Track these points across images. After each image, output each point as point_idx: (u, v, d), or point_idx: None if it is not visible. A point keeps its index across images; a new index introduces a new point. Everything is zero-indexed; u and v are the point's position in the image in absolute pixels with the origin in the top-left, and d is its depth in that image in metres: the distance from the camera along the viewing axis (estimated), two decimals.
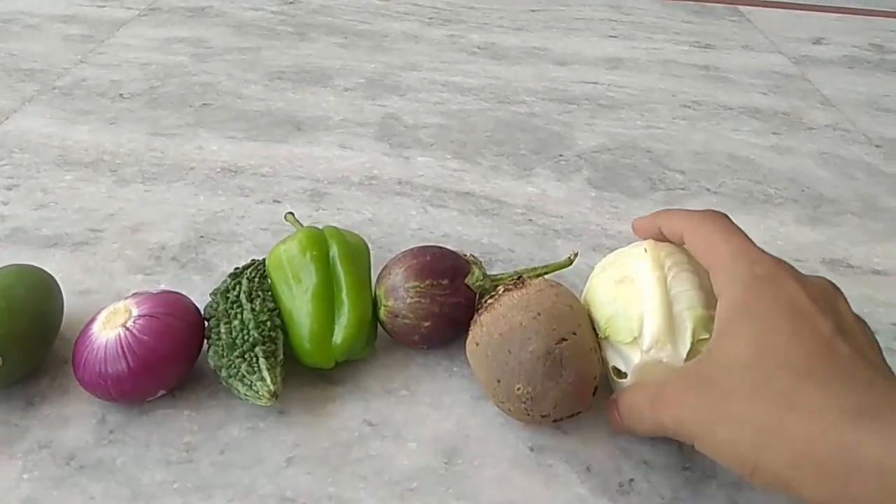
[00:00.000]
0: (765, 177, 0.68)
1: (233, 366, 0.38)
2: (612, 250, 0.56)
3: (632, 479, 0.38)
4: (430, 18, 1.04)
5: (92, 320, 0.39)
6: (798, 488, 0.29)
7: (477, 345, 0.40)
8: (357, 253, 0.45)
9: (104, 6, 1.00)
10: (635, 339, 0.38)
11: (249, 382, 0.37)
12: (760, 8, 1.21)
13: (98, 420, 0.40)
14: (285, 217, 0.50)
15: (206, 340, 0.41)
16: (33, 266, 0.43)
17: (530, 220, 0.60)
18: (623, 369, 0.39)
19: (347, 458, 0.38)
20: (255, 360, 0.38)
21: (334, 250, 0.43)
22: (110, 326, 0.38)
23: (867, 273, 0.56)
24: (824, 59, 1.00)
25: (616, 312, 0.39)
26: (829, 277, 0.51)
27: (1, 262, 0.50)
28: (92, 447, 0.38)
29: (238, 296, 0.41)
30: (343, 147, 0.69)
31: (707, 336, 0.36)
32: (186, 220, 0.56)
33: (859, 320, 0.34)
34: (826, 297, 0.34)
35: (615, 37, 1.02)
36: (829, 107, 0.85)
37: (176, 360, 0.39)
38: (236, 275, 0.44)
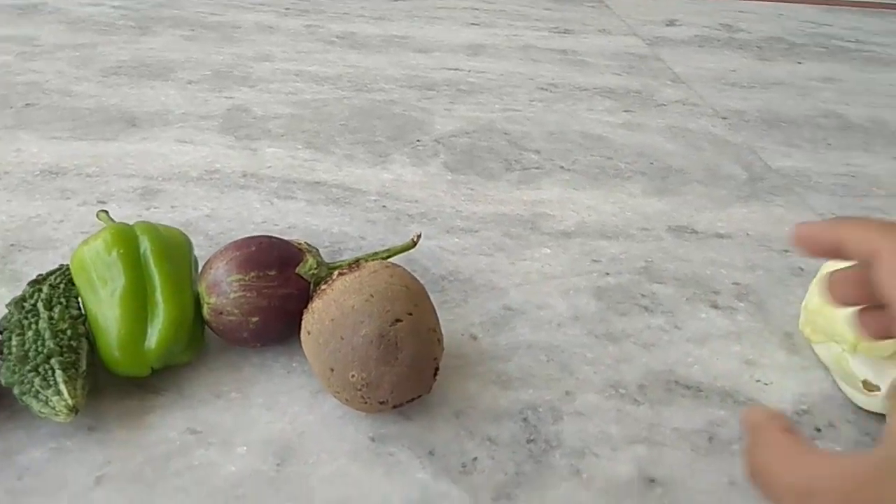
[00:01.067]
0: (616, 152, 0.69)
1: (25, 381, 0.34)
2: (466, 231, 0.56)
3: (475, 458, 0.37)
4: (287, 9, 1.01)
5: None
6: None
7: (309, 333, 0.37)
8: (173, 248, 0.41)
9: None
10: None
11: (45, 398, 0.33)
12: None
13: None
14: (97, 215, 0.46)
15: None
16: None
17: (384, 206, 0.58)
18: (875, 382, 0.39)
19: (166, 471, 0.35)
20: (50, 372, 0.34)
21: (146, 246, 0.39)
22: None
23: (711, 237, 0.57)
24: (677, 40, 1.04)
25: None
26: (675, 244, 0.51)
27: None
28: None
29: (35, 304, 0.37)
30: (182, 142, 0.64)
31: None
32: None
33: None
34: None
35: (477, 24, 1.02)
36: (680, 84, 0.88)
37: None
38: (37, 281, 0.39)
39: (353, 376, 0.36)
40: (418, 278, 0.40)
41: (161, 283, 0.39)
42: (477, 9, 1.09)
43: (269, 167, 0.62)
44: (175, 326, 0.38)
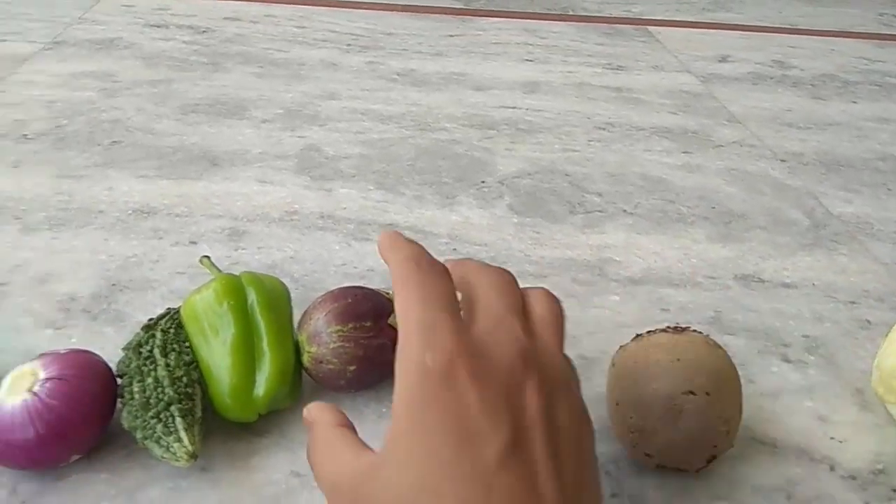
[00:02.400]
0: (677, 195, 0.71)
1: (148, 427, 0.37)
2: (535, 277, 0.57)
3: None
4: (348, 45, 1.04)
5: None
6: None
7: (613, 366, 0.41)
8: (276, 299, 0.44)
9: (5, 40, 0.95)
10: None
11: (166, 444, 0.36)
12: (667, 28, 1.26)
13: (9, 491, 0.37)
14: (200, 261, 0.49)
15: (118, 399, 0.39)
16: None
17: (454, 249, 0.60)
18: None
19: None
20: (171, 419, 0.36)
21: (252, 298, 0.42)
22: (15, 392, 0.36)
23: (777, 287, 0.59)
24: (730, 77, 1.05)
25: None
26: (742, 293, 0.53)
27: None
28: None
29: (151, 350, 0.40)
30: (262, 182, 0.67)
31: None
32: (96, 267, 0.54)
33: (560, 396, 0.29)
34: (509, 394, 0.28)
35: (531, 60, 1.05)
36: (736, 123, 0.89)
37: (88, 424, 0.37)
38: (150, 327, 0.42)
39: (630, 418, 0.39)
40: None
41: (267, 332, 0.41)
42: (530, 44, 1.12)
43: (345, 208, 0.65)
44: (281, 374, 0.41)
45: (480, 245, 0.61)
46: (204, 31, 1.03)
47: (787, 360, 0.50)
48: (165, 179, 0.66)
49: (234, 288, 0.42)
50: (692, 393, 0.38)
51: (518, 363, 0.29)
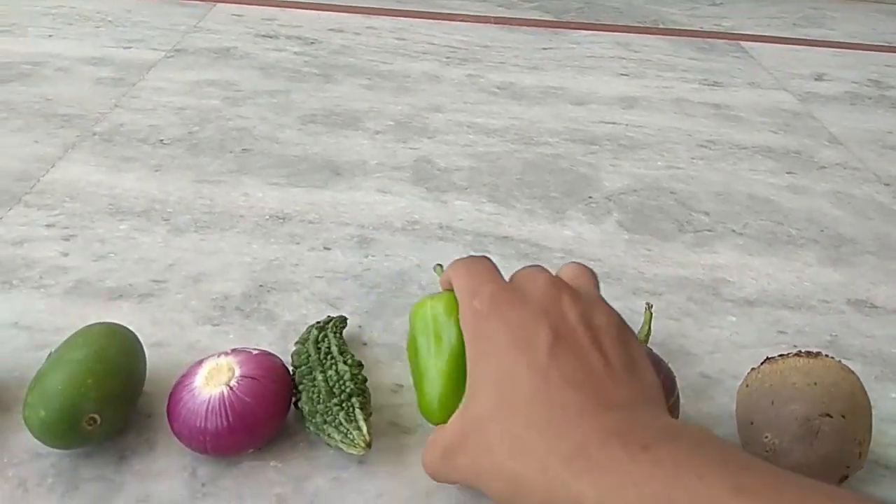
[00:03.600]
0: (785, 217, 0.72)
1: (330, 413, 0.40)
2: (650, 294, 0.59)
3: None
4: (448, 58, 1.07)
5: (191, 374, 0.41)
6: None
7: (747, 386, 0.43)
8: None
9: (130, 47, 1.02)
10: None
11: (345, 430, 0.40)
12: (760, 43, 1.26)
13: (189, 473, 0.41)
14: (434, 269, 0.50)
15: (295, 388, 0.43)
16: (119, 324, 0.45)
17: None
18: None
19: None
20: (352, 409, 0.40)
21: None
22: (213, 383, 0.40)
23: (891, 313, 0.59)
24: (827, 96, 1.04)
25: None
26: (856, 318, 0.54)
27: (69, 315, 0.52)
28: (187, 500, 0.40)
29: (329, 348, 0.44)
30: (382, 192, 0.71)
31: None
32: (244, 269, 0.59)
33: (595, 307, 0.35)
34: (546, 310, 0.34)
35: (626, 75, 1.06)
36: (837, 144, 0.89)
37: (270, 421, 0.41)
38: (321, 328, 0.46)
39: (766, 437, 0.40)
40: None
41: None
42: (623, 58, 1.13)
43: (461, 220, 0.68)
44: None
45: (594, 260, 0.63)
46: (312, 43, 1.08)
47: None
48: (295, 188, 0.71)
49: None
50: (829, 416, 0.39)
51: (551, 287, 0.35)
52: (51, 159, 0.73)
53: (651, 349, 0.45)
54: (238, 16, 1.18)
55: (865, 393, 0.42)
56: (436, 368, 0.42)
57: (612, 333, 0.34)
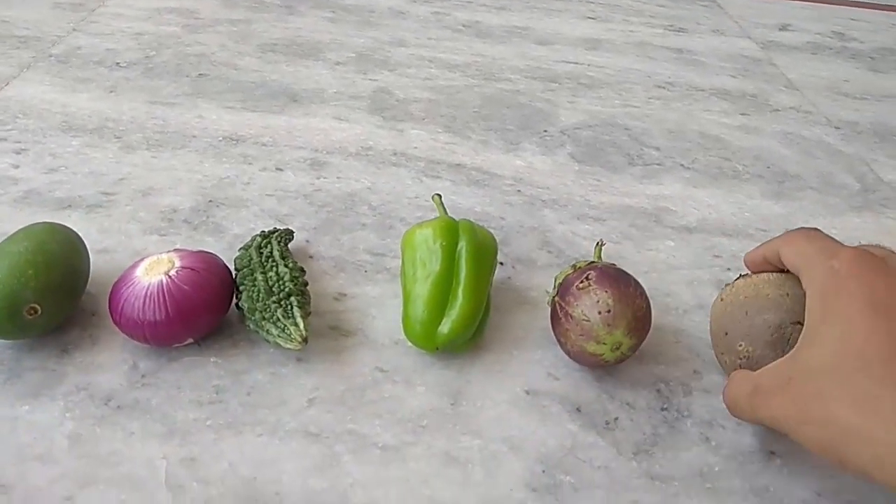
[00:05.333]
0: (734, 154, 0.74)
1: (268, 309, 0.42)
2: (594, 220, 0.61)
3: (616, 418, 0.43)
4: None
5: (132, 267, 0.42)
6: (882, 481, 0.31)
7: (722, 300, 0.45)
8: (484, 251, 0.46)
9: None
10: None
11: (283, 326, 0.41)
12: None
13: (130, 366, 0.43)
14: (432, 198, 0.51)
15: (236, 289, 0.44)
16: (61, 224, 0.46)
17: (518, 190, 0.64)
18: None
19: (363, 400, 0.42)
20: (290, 307, 0.42)
21: (462, 245, 0.45)
22: (153, 273, 0.41)
23: None
24: (790, 45, 1.06)
25: None
26: None
27: (16, 221, 0.53)
28: (127, 389, 0.41)
29: (272, 252, 0.45)
30: (338, 119, 0.72)
31: None
32: (194, 185, 0.59)
33: None
34: None
35: (593, 18, 1.07)
36: (794, 90, 0.90)
37: (209, 311, 0.42)
38: (266, 235, 0.48)
39: (740, 346, 0.42)
40: (553, 257, 0.46)
41: (466, 279, 0.44)
42: (592, 2, 1.13)
43: (415, 147, 0.69)
44: (466, 321, 0.44)
45: (543, 188, 0.65)
46: None
47: None
48: (250, 112, 0.71)
49: (450, 231, 0.45)
50: (800, 323, 0.41)
51: None
52: (5, 78, 0.72)
53: (622, 269, 0.45)
54: None
55: None
56: (419, 293, 0.44)
57: None
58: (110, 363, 0.43)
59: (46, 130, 0.64)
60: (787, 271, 0.44)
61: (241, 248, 0.46)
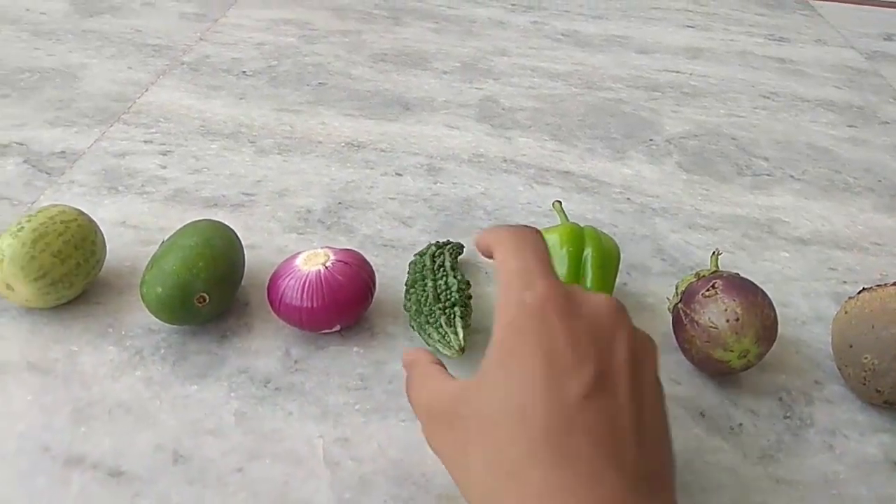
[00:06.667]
0: (843, 166, 0.73)
1: (433, 314, 0.45)
2: (707, 229, 0.62)
3: (741, 424, 0.44)
4: (513, 5, 1.09)
5: (291, 259, 0.47)
6: None
7: (846, 313, 0.46)
8: (608, 257, 0.48)
9: None
10: None
11: (443, 333, 0.44)
12: (829, 2, 1.24)
13: (283, 353, 0.47)
14: (553, 205, 0.54)
15: (406, 293, 0.48)
16: (220, 221, 0.50)
17: (628, 198, 0.66)
18: None
19: None
20: (453, 316, 0.45)
21: (588, 252, 0.47)
22: (311, 264, 0.45)
23: None
24: (895, 56, 1.03)
25: None
26: None
27: (170, 217, 0.58)
28: (282, 374, 0.45)
29: (443, 263, 0.49)
30: (449, 127, 0.75)
31: None
32: (323, 187, 0.63)
33: (646, 353, 0.31)
34: (598, 338, 0.30)
35: (692, 27, 1.07)
36: None
37: (357, 302, 0.46)
38: (440, 246, 0.52)
39: (866, 358, 0.44)
40: (668, 265, 0.48)
41: (592, 286, 0.46)
42: (690, 10, 1.13)
43: (524, 155, 0.71)
44: None
45: (652, 196, 0.66)
46: None
47: None
48: (367, 119, 0.75)
49: (576, 238, 0.48)
50: None
51: (612, 314, 0.31)
52: (144, 84, 0.78)
53: (747, 279, 0.46)
54: None
55: None
56: None
57: (653, 392, 0.31)
58: (265, 349, 0.47)
59: (187, 134, 0.69)
60: None
61: (415, 255, 0.51)
